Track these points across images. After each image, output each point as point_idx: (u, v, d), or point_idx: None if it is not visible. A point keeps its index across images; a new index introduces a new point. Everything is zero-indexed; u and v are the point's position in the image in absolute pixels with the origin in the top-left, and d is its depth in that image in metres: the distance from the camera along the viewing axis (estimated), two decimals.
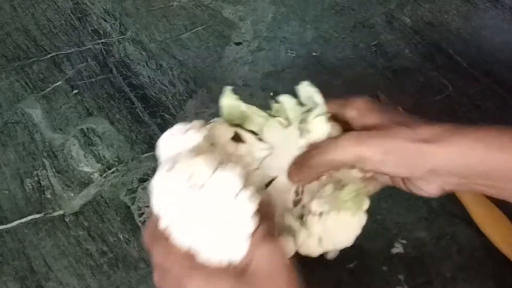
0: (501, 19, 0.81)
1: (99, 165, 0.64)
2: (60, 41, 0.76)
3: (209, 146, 0.47)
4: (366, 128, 0.46)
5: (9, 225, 0.59)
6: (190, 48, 0.76)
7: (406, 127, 0.44)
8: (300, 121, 0.53)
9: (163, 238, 0.42)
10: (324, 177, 0.51)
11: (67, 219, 0.59)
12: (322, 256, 0.57)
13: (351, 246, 0.58)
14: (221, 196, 0.41)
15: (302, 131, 0.53)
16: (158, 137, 0.66)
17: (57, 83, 0.71)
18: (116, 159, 0.64)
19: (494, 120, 0.69)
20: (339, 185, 0.51)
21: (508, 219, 0.58)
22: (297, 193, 0.53)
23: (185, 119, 0.68)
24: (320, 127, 0.52)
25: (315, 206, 0.50)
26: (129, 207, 0.60)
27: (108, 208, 0.60)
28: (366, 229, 0.59)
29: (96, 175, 0.63)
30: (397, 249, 0.58)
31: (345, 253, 0.58)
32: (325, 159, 0.47)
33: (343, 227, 0.51)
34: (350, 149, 0.45)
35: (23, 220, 0.59)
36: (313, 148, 0.48)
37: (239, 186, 0.41)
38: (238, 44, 0.76)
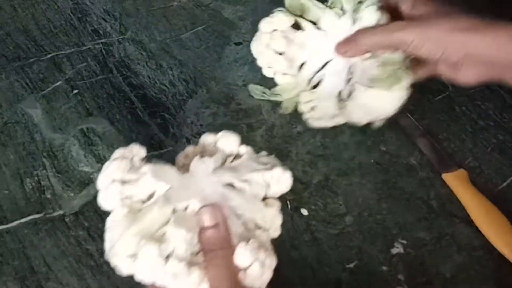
0: None
1: (99, 165, 0.64)
2: (60, 41, 0.76)
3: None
4: (414, 18, 0.55)
5: (9, 225, 0.59)
6: (190, 48, 0.76)
7: (448, 17, 0.51)
8: (353, 10, 0.64)
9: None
10: (367, 55, 0.61)
11: (67, 219, 0.59)
12: (322, 256, 0.58)
13: (351, 246, 0.58)
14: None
15: (355, 19, 0.64)
16: (158, 137, 0.66)
17: (57, 83, 0.71)
18: None
19: (494, 120, 0.69)
20: (382, 64, 0.61)
21: (508, 219, 0.58)
22: (348, 72, 0.64)
23: (185, 119, 0.68)
24: (370, 15, 0.63)
25: (368, 81, 0.62)
26: None
27: None
28: (366, 229, 0.59)
29: (96, 175, 0.63)
30: (397, 249, 0.58)
31: (345, 253, 0.58)
32: (371, 38, 0.57)
33: (383, 99, 0.61)
34: (395, 34, 0.54)
35: (23, 220, 0.59)
36: (363, 30, 0.58)
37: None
38: (238, 44, 0.76)
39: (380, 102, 0.62)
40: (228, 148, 0.51)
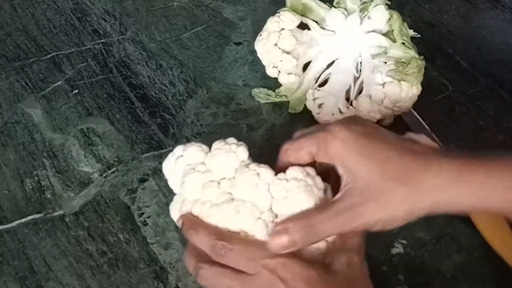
0: (501, 19, 0.81)
1: (99, 165, 0.64)
2: (60, 41, 0.76)
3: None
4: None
5: (9, 225, 0.59)
6: (190, 48, 0.76)
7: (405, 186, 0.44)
8: (360, 10, 0.65)
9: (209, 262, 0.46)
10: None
11: (67, 219, 0.59)
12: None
13: None
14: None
15: (362, 19, 0.65)
16: (158, 137, 0.66)
17: (57, 83, 0.71)
18: (116, 159, 0.64)
19: (494, 120, 0.69)
20: (401, 62, 0.63)
21: (508, 221, 0.58)
22: (356, 70, 0.66)
23: (185, 119, 0.68)
24: (379, 14, 0.64)
25: (379, 78, 0.63)
26: (129, 207, 0.60)
27: (108, 208, 0.60)
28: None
29: (96, 175, 0.63)
30: (397, 249, 0.58)
31: None
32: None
33: (402, 93, 0.62)
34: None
35: (23, 220, 0.59)
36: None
37: None
38: (238, 44, 0.76)
39: (394, 99, 0.63)
40: None
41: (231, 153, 0.48)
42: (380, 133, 0.47)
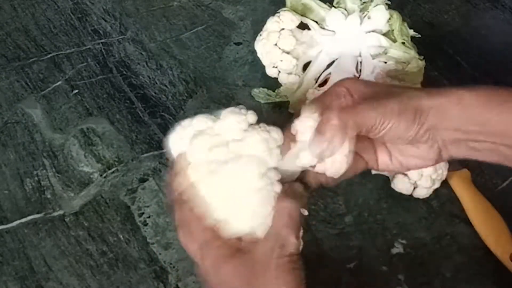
0: (501, 19, 0.81)
1: (99, 165, 0.64)
2: (60, 41, 0.76)
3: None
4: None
5: (9, 225, 0.59)
6: (190, 48, 0.76)
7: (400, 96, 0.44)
8: (360, 10, 0.66)
9: (184, 200, 0.45)
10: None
11: (67, 219, 0.59)
12: (322, 256, 0.58)
13: (351, 246, 0.58)
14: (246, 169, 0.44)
15: (362, 19, 0.65)
16: (158, 137, 0.66)
17: (57, 83, 0.71)
18: (116, 159, 0.64)
19: None
20: (401, 62, 0.62)
21: (508, 219, 0.58)
22: (356, 70, 0.66)
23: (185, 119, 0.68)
24: (379, 14, 0.65)
25: (378, 78, 0.64)
26: (129, 207, 0.60)
27: (108, 208, 0.60)
28: (366, 229, 0.59)
29: (96, 175, 0.63)
30: (397, 249, 0.58)
31: (345, 253, 0.58)
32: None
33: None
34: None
35: (23, 220, 0.59)
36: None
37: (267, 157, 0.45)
38: (238, 44, 0.76)
39: None
40: None
41: (241, 115, 0.47)
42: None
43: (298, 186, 0.46)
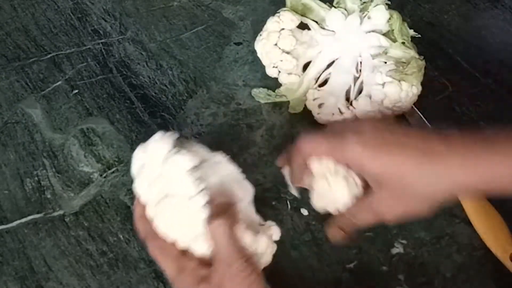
0: (501, 19, 0.81)
1: (99, 165, 0.64)
2: (60, 41, 0.76)
3: None
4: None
5: (9, 225, 0.59)
6: (190, 48, 0.76)
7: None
8: (360, 10, 0.66)
9: (151, 238, 0.50)
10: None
11: (67, 219, 0.59)
12: (322, 256, 0.57)
13: (351, 246, 0.58)
14: (175, 181, 0.47)
15: (362, 19, 0.66)
16: None
17: (57, 83, 0.71)
18: (116, 159, 0.64)
19: (494, 120, 0.69)
20: (401, 62, 0.63)
21: (508, 219, 0.58)
22: (356, 70, 0.66)
23: (185, 119, 0.68)
24: (379, 14, 0.65)
25: (379, 78, 0.63)
26: (129, 207, 0.60)
27: (108, 208, 0.60)
28: (366, 229, 0.59)
29: (96, 175, 0.63)
30: (397, 249, 0.58)
31: (345, 253, 0.58)
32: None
33: (402, 93, 0.62)
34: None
35: (23, 220, 0.59)
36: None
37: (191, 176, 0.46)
38: (238, 44, 0.76)
39: (394, 98, 0.63)
40: None
41: (156, 146, 0.49)
42: (391, 135, 0.47)
43: (226, 204, 0.48)
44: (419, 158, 0.44)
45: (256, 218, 0.52)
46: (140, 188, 0.49)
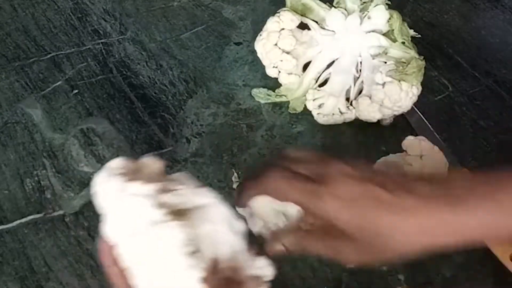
0: (501, 19, 0.81)
1: (99, 165, 0.64)
2: (60, 41, 0.76)
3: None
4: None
5: (9, 225, 0.59)
6: (190, 48, 0.76)
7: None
8: (360, 10, 0.66)
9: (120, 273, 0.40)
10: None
11: (67, 219, 0.59)
12: (322, 256, 0.57)
13: None
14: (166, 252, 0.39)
15: (362, 19, 0.65)
16: (158, 137, 0.66)
17: (57, 83, 0.71)
18: None
19: (494, 120, 0.69)
20: (401, 62, 0.63)
21: None
22: (356, 70, 0.66)
23: (185, 119, 0.68)
24: (379, 14, 0.65)
25: (379, 78, 0.63)
26: None
27: None
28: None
29: (96, 175, 0.63)
30: None
31: None
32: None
33: (402, 94, 0.62)
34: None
35: (23, 220, 0.59)
36: None
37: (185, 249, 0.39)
38: (238, 44, 0.76)
39: (394, 98, 0.63)
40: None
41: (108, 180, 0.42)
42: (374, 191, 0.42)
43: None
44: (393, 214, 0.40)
45: (246, 258, 0.43)
46: (114, 233, 0.40)
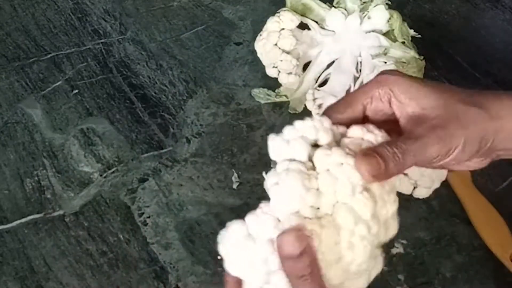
0: (501, 19, 0.81)
1: (99, 165, 0.64)
2: (60, 41, 0.76)
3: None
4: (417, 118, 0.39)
5: (9, 225, 0.59)
6: (190, 48, 0.76)
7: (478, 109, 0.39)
8: (360, 10, 0.66)
9: None
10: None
11: (67, 219, 0.59)
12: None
13: None
14: None
15: (362, 19, 0.66)
16: (158, 137, 0.66)
17: (57, 83, 0.71)
18: (116, 159, 0.64)
19: None
20: (401, 62, 0.61)
21: (508, 219, 0.58)
22: (356, 70, 0.66)
23: (185, 119, 0.68)
24: (379, 14, 0.65)
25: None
26: (129, 207, 0.60)
27: (108, 208, 0.60)
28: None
29: (96, 175, 0.63)
30: (397, 249, 0.58)
31: None
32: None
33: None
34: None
35: (23, 220, 0.59)
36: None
37: None
38: (238, 44, 0.76)
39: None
40: None
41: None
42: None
43: None
44: (464, 96, 0.40)
45: None
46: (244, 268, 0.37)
